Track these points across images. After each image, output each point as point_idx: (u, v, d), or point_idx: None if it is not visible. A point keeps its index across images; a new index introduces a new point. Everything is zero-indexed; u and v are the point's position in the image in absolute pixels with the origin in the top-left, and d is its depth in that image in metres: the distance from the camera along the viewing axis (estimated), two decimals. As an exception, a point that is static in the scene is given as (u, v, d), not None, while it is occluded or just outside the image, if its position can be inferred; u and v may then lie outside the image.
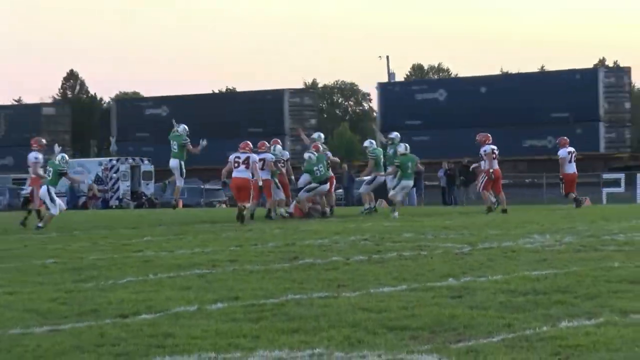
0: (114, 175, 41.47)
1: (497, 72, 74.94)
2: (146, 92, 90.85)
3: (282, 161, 20.60)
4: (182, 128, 20.57)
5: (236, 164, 18.50)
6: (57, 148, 19.54)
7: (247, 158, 18.47)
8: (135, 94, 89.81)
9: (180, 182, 20.85)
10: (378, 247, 11.66)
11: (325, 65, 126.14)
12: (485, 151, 20.88)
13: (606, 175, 38.07)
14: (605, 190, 36.14)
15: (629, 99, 47.82)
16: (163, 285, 8.42)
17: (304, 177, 20.33)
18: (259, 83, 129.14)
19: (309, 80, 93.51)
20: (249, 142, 19.52)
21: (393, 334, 6.02)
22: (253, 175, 18.48)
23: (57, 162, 18.86)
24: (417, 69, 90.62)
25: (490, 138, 21.18)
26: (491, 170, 20.79)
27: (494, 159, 20.87)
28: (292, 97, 52.15)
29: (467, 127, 44.49)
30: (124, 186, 41.50)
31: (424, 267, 9.39)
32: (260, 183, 18.71)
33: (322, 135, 20.94)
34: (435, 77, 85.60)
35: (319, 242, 12.56)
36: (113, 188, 41.43)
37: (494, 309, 6.81)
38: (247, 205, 18.42)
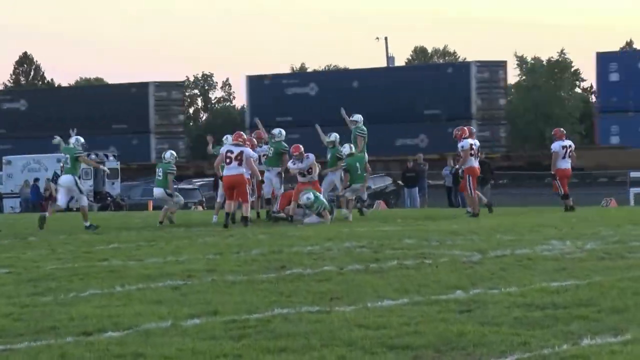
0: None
1: (510, 57, 75.24)
2: (112, 79, 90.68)
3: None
4: (170, 154, 20.45)
5: (228, 160, 18.14)
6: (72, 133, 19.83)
7: (241, 153, 18.11)
8: (99, 80, 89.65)
9: (175, 203, 20.67)
10: (376, 254, 11.69)
11: (316, 48, 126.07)
12: (462, 147, 20.52)
13: (634, 174, 38.30)
14: (633, 190, 36.31)
15: (504, 95, 50.44)
16: (132, 298, 8.43)
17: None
18: (238, 68, 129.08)
19: (297, 65, 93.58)
20: (242, 132, 19.23)
21: (394, 354, 6.04)
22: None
23: (71, 145, 18.98)
24: (420, 52, 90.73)
25: (467, 131, 20.89)
26: (460, 169, 20.65)
27: (472, 155, 20.56)
28: (158, 91, 54.04)
29: (338, 125, 45.56)
30: (86, 186, 41.40)
31: (428, 277, 9.43)
32: (260, 178, 18.57)
33: (284, 132, 20.83)
34: (441, 61, 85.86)
35: (309, 249, 12.57)
36: (73, 188, 41.34)
37: (507, 325, 6.84)
38: (246, 207, 18.32)
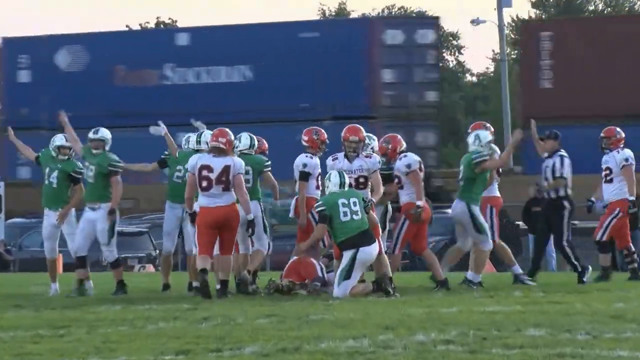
0: None
1: None
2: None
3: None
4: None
5: (205, 182, 18.56)
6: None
7: (226, 169, 18.53)
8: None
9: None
10: (474, 356, 11.73)
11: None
12: (409, 167, 20.68)
13: None
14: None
15: None
16: None
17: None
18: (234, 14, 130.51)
19: (333, 7, 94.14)
20: (227, 130, 19.10)
21: None
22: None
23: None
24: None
25: (403, 142, 21.13)
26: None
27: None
28: None
29: None
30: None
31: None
32: (251, 217, 18.75)
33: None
34: (607, 10, 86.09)
35: (350, 344, 12.63)
36: None
37: None
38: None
